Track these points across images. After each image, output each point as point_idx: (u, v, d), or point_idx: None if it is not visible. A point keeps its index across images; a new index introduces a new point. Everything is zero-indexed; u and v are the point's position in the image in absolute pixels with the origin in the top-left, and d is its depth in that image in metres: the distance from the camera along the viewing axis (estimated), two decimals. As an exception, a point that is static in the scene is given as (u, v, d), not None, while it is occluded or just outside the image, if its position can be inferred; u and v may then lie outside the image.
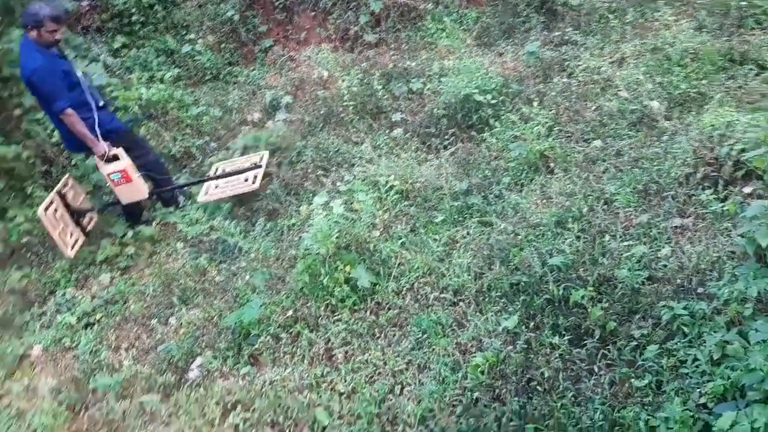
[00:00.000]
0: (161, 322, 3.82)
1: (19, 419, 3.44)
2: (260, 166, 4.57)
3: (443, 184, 3.92)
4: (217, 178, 4.66)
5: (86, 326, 4.07)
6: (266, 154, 4.74)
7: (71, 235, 4.48)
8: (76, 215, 4.58)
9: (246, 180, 4.50)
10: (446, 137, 4.49)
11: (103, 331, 3.95)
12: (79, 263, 4.57)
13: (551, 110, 4.25)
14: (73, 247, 4.43)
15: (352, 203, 3.72)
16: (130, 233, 4.59)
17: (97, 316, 4.08)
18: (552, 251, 3.13)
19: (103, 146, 4.23)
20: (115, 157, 4.29)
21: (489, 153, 4.15)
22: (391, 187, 3.95)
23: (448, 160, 4.25)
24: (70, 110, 4.11)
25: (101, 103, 4.44)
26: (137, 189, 4.42)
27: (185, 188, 4.95)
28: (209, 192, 4.57)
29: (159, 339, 3.69)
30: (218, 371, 3.26)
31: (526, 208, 3.53)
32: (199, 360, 3.39)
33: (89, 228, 4.67)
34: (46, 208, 4.30)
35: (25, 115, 5.37)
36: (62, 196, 4.51)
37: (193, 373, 3.32)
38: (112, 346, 3.81)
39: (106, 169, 4.29)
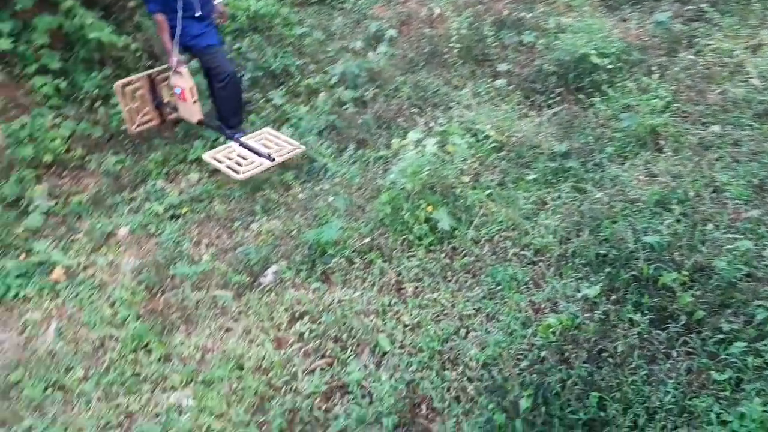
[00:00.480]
0: (243, 226, 3.96)
1: (101, 290, 3.71)
2: (273, 159, 4.19)
3: (541, 143, 3.80)
4: (245, 148, 4.35)
5: (172, 217, 4.29)
6: (299, 150, 4.28)
7: (144, 114, 4.72)
8: (159, 102, 4.77)
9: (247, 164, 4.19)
10: (552, 96, 4.32)
11: (187, 225, 4.15)
12: (171, 159, 4.77)
13: (671, 86, 3.99)
14: (139, 126, 4.71)
15: (445, 145, 3.67)
16: (221, 137, 4.71)
17: (183, 210, 4.28)
18: (648, 230, 3.00)
19: (174, 59, 4.33)
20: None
21: (596, 119, 3.97)
22: (487, 137, 3.87)
23: (550, 120, 4.10)
24: (159, 15, 4.24)
25: (197, 14, 4.34)
26: (189, 111, 4.53)
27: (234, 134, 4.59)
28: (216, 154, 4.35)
29: (238, 241, 3.84)
30: (290, 282, 3.37)
31: (626, 181, 3.38)
32: (274, 267, 3.51)
33: (168, 118, 4.87)
34: (125, 85, 4.54)
35: (138, 8, 5.54)
36: (152, 81, 4.69)
37: (267, 279, 3.45)
38: (194, 240, 4.00)
39: (173, 79, 4.48)
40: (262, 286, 3.41)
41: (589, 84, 4.27)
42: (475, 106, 4.24)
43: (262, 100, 5.22)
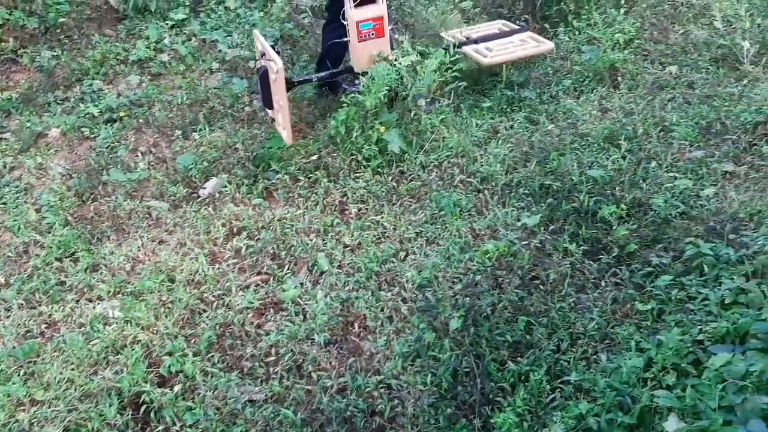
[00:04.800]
0: (183, 135, 3.78)
1: (27, 194, 3.52)
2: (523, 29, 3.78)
3: (500, 71, 3.69)
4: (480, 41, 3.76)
5: (107, 121, 4.06)
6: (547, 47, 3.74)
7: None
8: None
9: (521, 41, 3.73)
10: (517, 22, 4.17)
11: (124, 130, 3.94)
12: (111, 58, 4.47)
13: (636, 22, 3.91)
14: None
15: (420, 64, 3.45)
16: (166, 38, 4.41)
17: (120, 114, 4.05)
18: (593, 164, 3.00)
19: None
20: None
21: (558, 51, 3.88)
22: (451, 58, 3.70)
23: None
24: None
25: None
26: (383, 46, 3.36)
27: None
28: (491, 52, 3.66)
29: (177, 151, 3.67)
30: (230, 196, 3.26)
31: (579, 115, 3.36)
32: (214, 180, 3.38)
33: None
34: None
35: None
36: None
37: (205, 191, 3.33)
38: (130, 147, 3.81)
39: (355, 14, 3.27)
40: (200, 199, 3.29)
41: (556, 13, 4.14)
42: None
43: (213, 2, 4.88)
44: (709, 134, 3.14)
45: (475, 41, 3.75)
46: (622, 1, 4.11)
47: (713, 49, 3.79)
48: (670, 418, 1.91)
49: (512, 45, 3.71)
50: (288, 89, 3.36)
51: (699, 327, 2.17)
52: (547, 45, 3.61)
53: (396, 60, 3.30)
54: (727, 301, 2.23)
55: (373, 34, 3.30)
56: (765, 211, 2.59)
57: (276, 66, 3.19)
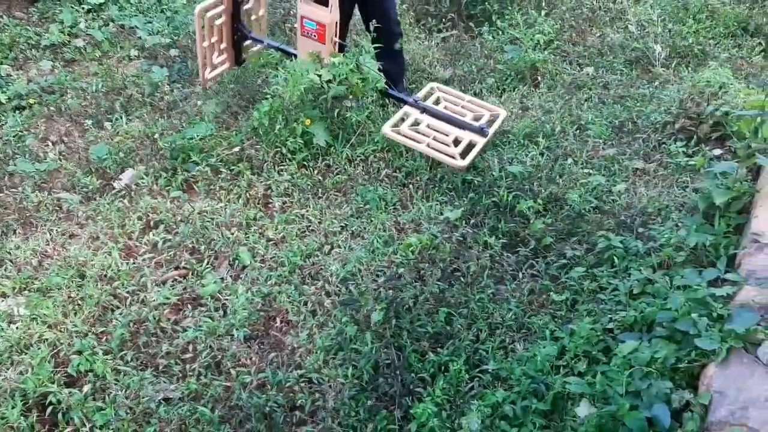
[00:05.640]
0: (97, 125, 3.59)
1: (-75, 183, 3.24)
2: (485, 133, 3.11)
3: (426, 67, 3.73)
4: (436, 117, 3.24)
5: (16, 108, 3.81)
6: (503, 115, 3.27)
7: (219, 54, 3.53)
8: (242, 36, 3.57)
9: (454, 143, 3.08)
10: (444, 21, 4.23)
11: (34, 118, 3.71)
12: (21, 42, 4.18)
13: (556, 24, 4.05)
14: (213, 70, 3.51)
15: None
16: (82, 23, 4.18)
17: (30, 101, 3.80)
18: (513, 160, 3.08)
19: None
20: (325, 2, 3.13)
21: (482, 49, 3.96)
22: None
23: (438, 45, 4.03)
24: None
25: None
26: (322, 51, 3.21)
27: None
28: (403, 128, 3.16)
29: (91, 141, 3.48)
30: (147, 188, 3.13)
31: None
32: (130, 172, 3.23)
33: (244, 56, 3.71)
34: (207, 10, 3.32)
35: None
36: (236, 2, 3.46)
37: (120, 183, 3.17)
38: (40, 136, 3.59)
39: (303, 8, 3.19)
40: (115, 191, 3.13)
41: (480, 13, 4.23)
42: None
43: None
44: (621, 133, 3.29)
45: (423, 109, 3.28)
46: (543, 3, 4.25)
47: (628, 52, 3.98)
48: (581, 404, 2.00)
49: (448, 138, 3.11)
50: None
51: (609, 316, 2.27)
52: (461, 163, 2.96)
53: (330, 64, 3.23)
54: (635, 291, 2.35)
55: (315, 36, 3.21)
56: (671, 206, 2.75)
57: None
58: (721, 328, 1.97)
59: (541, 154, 3.12)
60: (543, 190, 2.87)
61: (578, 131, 3.30)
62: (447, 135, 3.12)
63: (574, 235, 2.67)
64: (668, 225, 2.61)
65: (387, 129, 3.14)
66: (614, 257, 2.50)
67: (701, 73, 3.57)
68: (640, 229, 2.65)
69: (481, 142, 3.07)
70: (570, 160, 3.07)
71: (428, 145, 3.05)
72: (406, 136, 3.12)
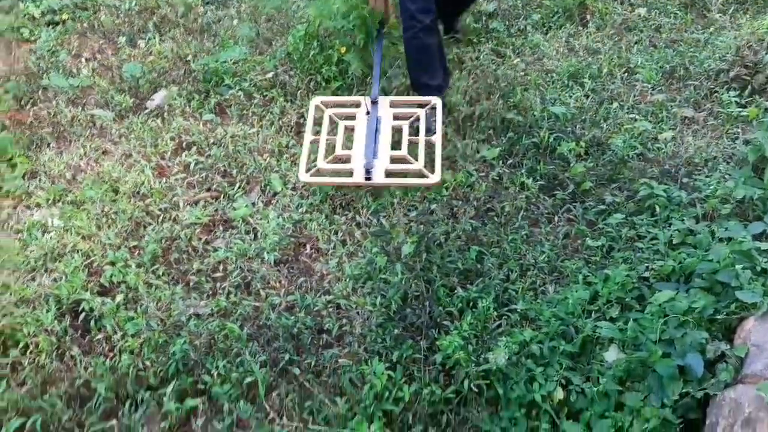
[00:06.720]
0: (130, 43, 3.52)
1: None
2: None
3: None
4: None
5: (49, 24, 3.76)
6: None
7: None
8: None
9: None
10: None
11: (67, 34, 3.66)
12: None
13: (610, -41, 3.81)
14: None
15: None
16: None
17: (64, 17, 3.74)
18: (556, 100, 2.97)
19: None
20: None
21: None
22: None
23: (483, -23, 3.83)
24: None
25: None
26: None
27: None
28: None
29: (124, 59, 3.43)
30: (180, 110, 3.09)
31: (546, 51, 3.29)
32: (162, 92, 3.19)
33: None
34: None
35: None
36: None
37: (153, 103, 3.14)
38: (73, 52, 3.54)
39: None
40: (147, 111, 3.10)
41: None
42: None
43: None
44: (672, 79, 3.14)
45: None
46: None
47: (683, -5, 3.75)
48: (610, 348, 1.97)
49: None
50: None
51: (646, 265, 2.22)
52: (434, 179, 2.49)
53: None
54: (675, 242, 2.28)
55: None
56: (719, 158, 2.64)
57: None
58: (765, 282, 1.91)
59: (586, 96, 2.99)
60: (586, 133, 2.76)
61: (626, 74, 3.15)
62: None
63: (614, 182, 2.58)
64: (715, 176, 2.50)
65: (304, 175, 2.50)
66: (656, 206, 2.42)
67: (761, 21, 3.36)
68: (685, 179, 2.55)
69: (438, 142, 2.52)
70: (616, 104, 2.94)
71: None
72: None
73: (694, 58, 3.21)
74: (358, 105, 2.78)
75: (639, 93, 3.03)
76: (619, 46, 3.35)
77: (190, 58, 3.35)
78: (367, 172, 2.41)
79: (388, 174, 2.47)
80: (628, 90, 3.04)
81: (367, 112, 2.65)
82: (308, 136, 2.60)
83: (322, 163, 2.53)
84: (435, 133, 2.65)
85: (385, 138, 2.60)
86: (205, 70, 3.21)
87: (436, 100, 2.68)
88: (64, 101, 3.16)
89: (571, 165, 2.64)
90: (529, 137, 2.77)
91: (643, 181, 2.52)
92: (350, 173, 2.50)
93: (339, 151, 2.55)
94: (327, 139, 2.58)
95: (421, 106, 2.64)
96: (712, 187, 2.42)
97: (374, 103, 2.66)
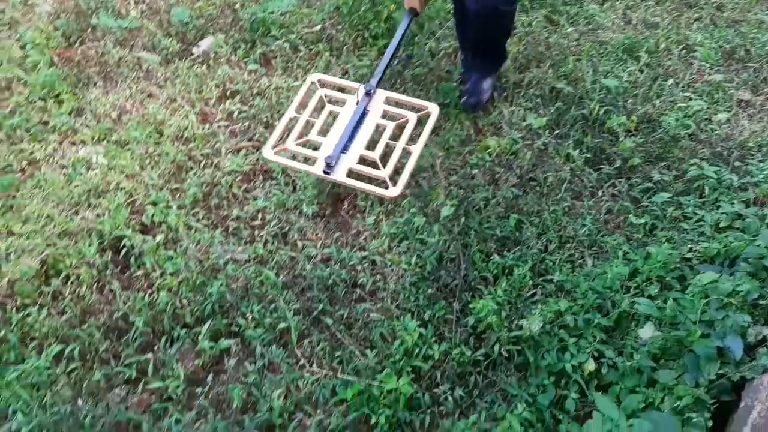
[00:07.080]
0: (180, -13, 3.51)
1: (11, 29, 3.28)
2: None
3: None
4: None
5: (100, -37, 3.74)
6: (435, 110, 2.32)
7: None
8: None
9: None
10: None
11: (117, -26, 3.64)
12: None
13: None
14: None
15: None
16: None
17: (114, -43, 3.72)
18: (609, 73, 2.88)
19: None
20: None
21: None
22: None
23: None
24: None
25: None
26: None
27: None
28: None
29: (173, 4, 3.42)
30: (225, 58, 3.08)
31: (601, 22, 3.18)
32: (209, 39, 3.18)
33: None
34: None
35: None
36: None
37: (200, 49, 3.13)
38: (122, -7, 3.53)
39: None
40: (193, 56, 3.10)
41: None
42: None
43: None
44: (731, 59, 3.02)
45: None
46: None
47: (750, -26, 3.57)
48: (646, 326, 1.95)
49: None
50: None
51: (690, 246, 2.17)
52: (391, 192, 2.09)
53: None
54: (722, 225, 2.22)
55: None
56: (774, 144, 2.55)
57: None
58: (815, 271, 1.85)
59: (640, 71, 2.90)
60: (637, 109, 2.69)
61: (683, 51, 3.04)
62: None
63: (663, 160, 2.52)
64: (769, 162, 2.42)
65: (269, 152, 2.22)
66: (705, 187, 2.35)
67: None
68: (737, 163, 2.47)
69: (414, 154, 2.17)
70: (671, 81, 2.84)
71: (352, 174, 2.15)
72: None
73: (755, 39, 3.08)
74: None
75: (696, 71, 2.93)
76: (679, 21, 3.22)
77: (238, 6, 3.33)
78: (328, 166, 2.12)
79: (350, 173, 2.15)
80: (684, 67, 2.94)
81: (357, 102, 2.36)
82: (290, 112, 2.39)
83: (290, 144, 2.24)
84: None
85: (364, 135, 2.26)
86: (252, 19, 3.18)
87: (433, 108, 2.33)
88: (111, 41, 3.18)
89: (620, 140, 2.58)
90: (578, 108, 2.71)
91: (694, 162, 2.46)
92: (313, 162, 2.21)
93: (313, 135, 2.27)
94: (307, 120, 2.32)
95: (417, 110, 2.37)
96: (765, 173, 2.34)
97: (368, 94, 2.32)
